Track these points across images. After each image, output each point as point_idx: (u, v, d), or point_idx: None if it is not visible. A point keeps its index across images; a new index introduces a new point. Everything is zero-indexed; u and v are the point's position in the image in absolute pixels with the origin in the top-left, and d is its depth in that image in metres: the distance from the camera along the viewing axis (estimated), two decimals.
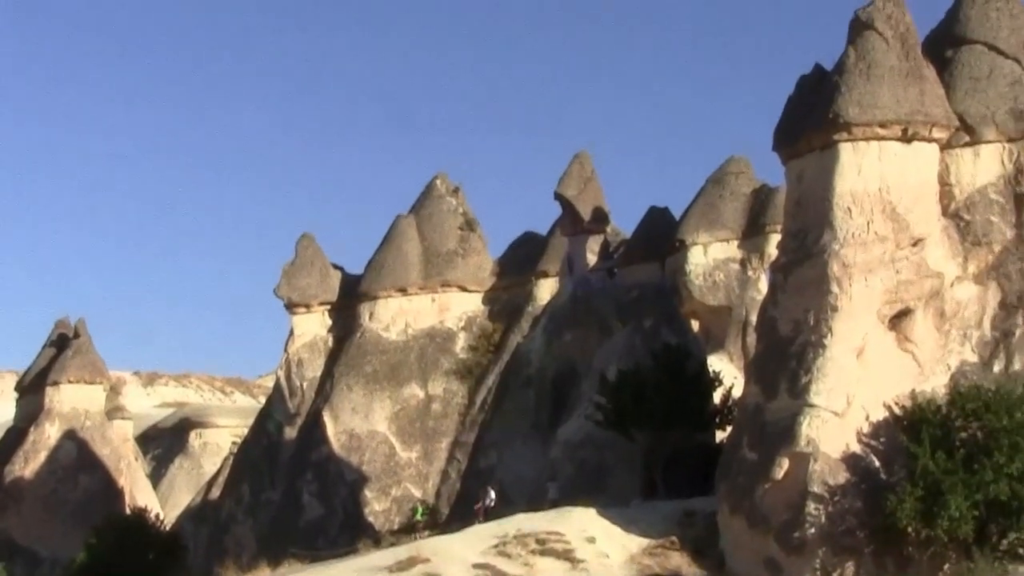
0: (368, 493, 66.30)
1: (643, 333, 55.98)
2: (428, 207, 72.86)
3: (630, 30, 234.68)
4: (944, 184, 41.97)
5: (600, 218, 62.27)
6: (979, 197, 42.07)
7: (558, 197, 62.52)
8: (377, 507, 65.74)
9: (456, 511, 60.62)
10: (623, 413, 50.31)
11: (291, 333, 73.18)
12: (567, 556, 41.50)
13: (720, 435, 50.61)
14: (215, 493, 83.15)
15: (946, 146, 41.79)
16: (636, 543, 42.76)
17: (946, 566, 37.14)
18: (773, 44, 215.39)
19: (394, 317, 70.52)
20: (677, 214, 65.27)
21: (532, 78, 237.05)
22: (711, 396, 51.71)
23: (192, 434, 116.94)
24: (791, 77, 44.24)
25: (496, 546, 42.14)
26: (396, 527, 63.01)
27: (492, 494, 55.33)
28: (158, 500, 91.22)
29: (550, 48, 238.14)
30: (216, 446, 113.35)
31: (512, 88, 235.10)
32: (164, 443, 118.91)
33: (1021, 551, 37.10)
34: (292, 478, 69.14)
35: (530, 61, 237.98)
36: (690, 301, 64.66)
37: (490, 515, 51.57)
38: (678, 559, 41.92)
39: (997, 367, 40.52)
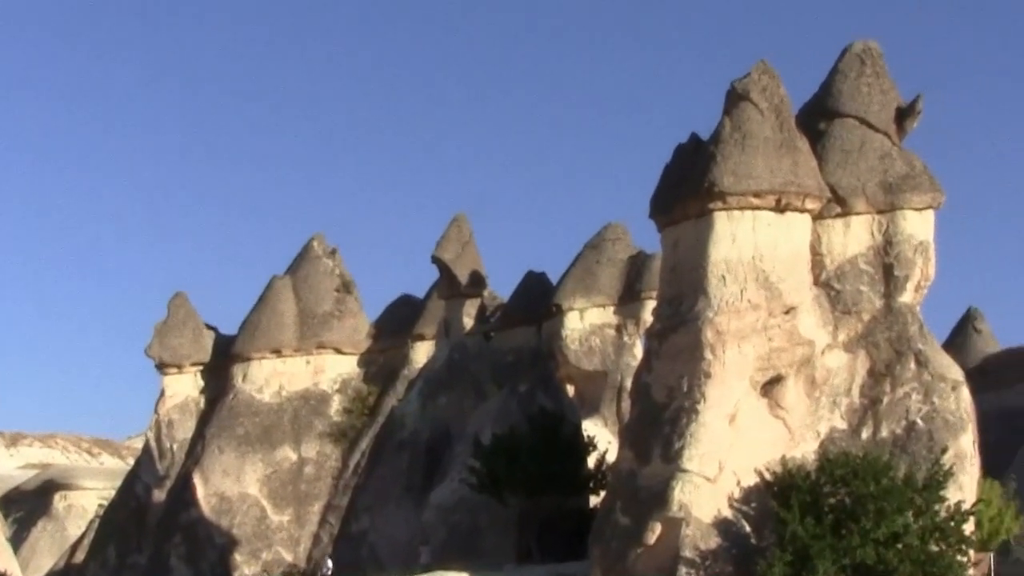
0: (238, 557, 65.41)
1: (518, 397, 56.14)
2: (304, 268, 72.52)
3: (509, 94, 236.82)
4: (816, 254, 42.69)
5: (477, 282, 62.50)
6: (849, 267, 42.81)
7: (435, 260, 62.65)
8: (247, 571, 64.88)
9: None
10: (497, 477, 50.29)
11: (162, 394, 72.27)
12: None
13: (594, 500, 50.74)
14: (79, 557, 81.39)
15: (818, 216, 42.52)
16: None
17: None
18: (651, 113, 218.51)
19: (268, 379, 69.92)
20: (554, 279, 65.61)
21: (410, 140, 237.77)
22: (585, 461, 51.88)
23: (57, 496, 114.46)
24: (668, 145, 44.84)
25: None
26: None
27: (329, 563, 55.21)
28: (19, 564, 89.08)
29: (429, 110, 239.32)
30: (81, 509, 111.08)
31: (390, 150, 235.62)
32: (27, 505, 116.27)
33: None
34: (160, 541, 68.00)
35: (408, 122, 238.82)
36: (566, 366, 64.83)
37: None
38: None
39: (865, 434, 41.13)
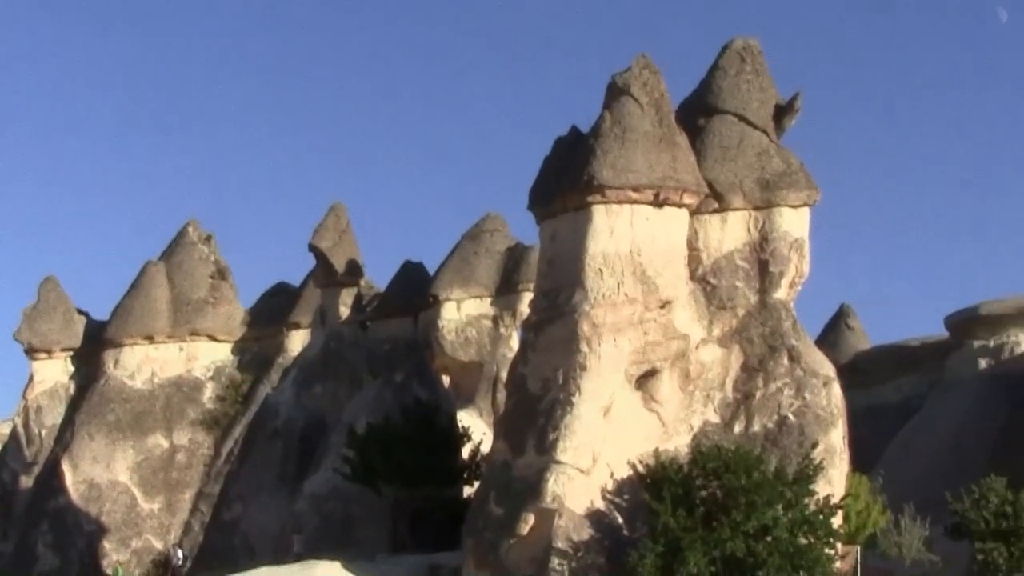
0: (107, 544, 64.68)
1: (394, 387, 55.97)
2: (179, 254, 71.77)
3: (387, 81, 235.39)
4: (692, 249, 42.97)
5: (354, 271, 62.20)
6: (725, 262, 43.18)
7: (312, 248, 62.21)
8: (116, 559, 64.13)
9: (199, 564, 59.70)
10: (371, 467, 50.11)
11: (31, 379, 71.32)
12: None
13: (468, 490, 50.74)
14: None
15: (695, 212, 42.79)
16: None
17: None
18: (530, 104, 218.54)
19: (140, 365, 69.12)
20: (431, 269, 65.50)
21: (287, 127, 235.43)
22: (460, 451, 51.85)
23: None
24: (548, 138, 44.84)
25: None
26: None
27: (180, 553, 54.75)
28: None
29: (305, 97, 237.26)
30: None
31: (266, 137, 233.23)
32: None
33: None
34: (26, 528, 67.04)
35: (285, 111, 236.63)
36: (442, 356, 64.76)
37: None
38: None
39: (737, 428, 41.57)
